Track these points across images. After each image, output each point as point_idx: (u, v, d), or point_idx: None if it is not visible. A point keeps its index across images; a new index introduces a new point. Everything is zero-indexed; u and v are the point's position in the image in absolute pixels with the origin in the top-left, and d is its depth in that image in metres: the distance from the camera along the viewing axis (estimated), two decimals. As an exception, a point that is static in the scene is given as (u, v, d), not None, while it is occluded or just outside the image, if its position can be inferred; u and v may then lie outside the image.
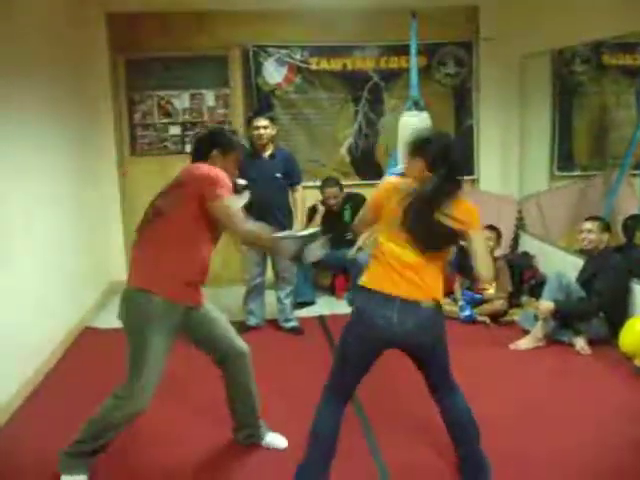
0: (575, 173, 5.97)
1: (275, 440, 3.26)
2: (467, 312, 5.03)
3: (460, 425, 2.84)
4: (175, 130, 6.12)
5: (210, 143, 3.00)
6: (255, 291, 4.95)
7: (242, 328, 4.78)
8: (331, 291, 5.89)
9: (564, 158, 5.96)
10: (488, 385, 3.91)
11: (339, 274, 5.82)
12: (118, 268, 5.96)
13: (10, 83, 3.87)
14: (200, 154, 2.98)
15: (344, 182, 5.90)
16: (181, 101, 6.11)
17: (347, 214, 5.70)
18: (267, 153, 4.78)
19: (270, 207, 4.71)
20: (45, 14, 4.68)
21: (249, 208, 2.98)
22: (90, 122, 5.67)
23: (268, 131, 4.75)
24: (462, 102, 6.40)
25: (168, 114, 6.09)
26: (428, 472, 3.02)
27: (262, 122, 4.75)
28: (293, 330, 4.94)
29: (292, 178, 4.90)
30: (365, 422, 3.47)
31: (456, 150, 2.74)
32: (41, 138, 4.45)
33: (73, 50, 5.31)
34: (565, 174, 6.01)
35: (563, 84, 5.83)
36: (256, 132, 4.74)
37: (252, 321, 4.96)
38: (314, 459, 2.73)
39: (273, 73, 6.12)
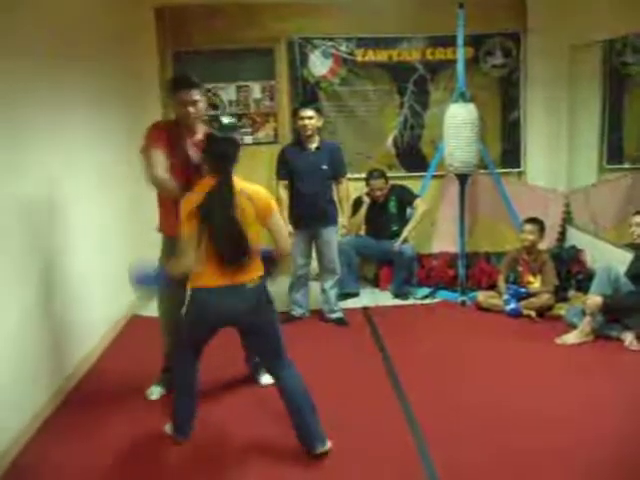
0: (625, 166, 5.86)
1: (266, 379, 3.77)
2: (512, 305, 4.98)
3: None
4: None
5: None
6: (300, 281, 4.99)
7: (287, 318, 4.84)
8: (375, 283, 5.90)
9: (614, 151, 5.85)
10: (534, 380, 3.89)
11: (384, 266, 5.82)
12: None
13: (59, 78, 3.95)
14: None
15: (389, 174, 5.88)
16: (228, 93, 6.17)
17: (392, 206, 5.69)
18: (313, 145, 4.80)
19: (316, 198, 4.75)
20: (94, 9, 4.77)
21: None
22: (139, 115, 5.74)
23: (313, 122, 4.75)
24: (509, 93, 6.34)
25: (215, 106, 6.14)
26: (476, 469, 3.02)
27: (307, 112, 4.75)
28: (338, 321, 4.97)
29: (337, 170, 4.90)
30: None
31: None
32: (92, 130, 4.56)
33: (122, 44, 5.40)
34: (615, 167, 5.90)
35: (613, 75, 5.72)
36: (301, 122, 4.75)
37: (297, 311, 5.00)
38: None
39: (318, 65, 6.15)
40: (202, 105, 3.53)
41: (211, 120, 3.62)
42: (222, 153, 2.96)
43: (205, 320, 3.03)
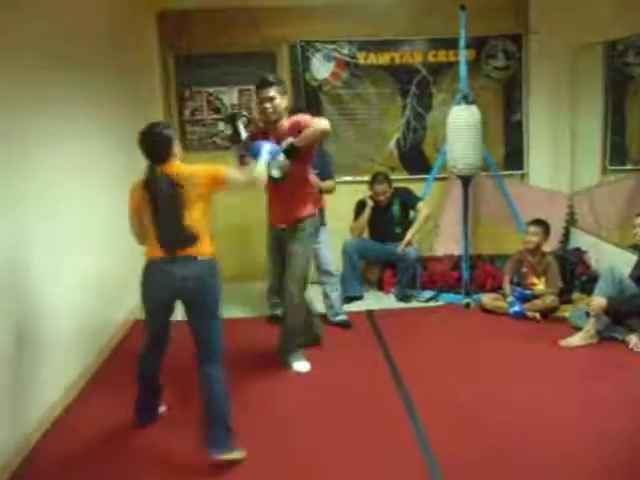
0: (628, 167, 5.85)
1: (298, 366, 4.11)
2: (516, 308, 4.97)
3: None
4: (224, 126, 6.16)
5: None
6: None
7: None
8: (379, 286, 5.89)
9: (617, 151, 5.84)
10: (537, 382, 3.88)
11: (387, 269, 5.82)
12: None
13: (60, 81, 3.95)
14: None
15: (392, 176, 5.87)
16: (230, 97, 6.17)
17: (395, 209, 5.69)
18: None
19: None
20: (97, 13, 4.77)
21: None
22: (140, 120, 5.73)
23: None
24: (511, 95, 6.34)
25: (217, 110, 6.15)
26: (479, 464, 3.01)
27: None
28: (342, 323, 4.94)
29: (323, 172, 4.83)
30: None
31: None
32: (91, 136, 4.54)
33: (124, 48, 5.39)
34: (618, 168, 5.89)
35: (616, 76, 5.71)
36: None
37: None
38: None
39: (321, 68, 6.15)
40: (279, 101, 3.77)
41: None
42: (148, 147, 3.21)
43: (153, 289, 3.13)
